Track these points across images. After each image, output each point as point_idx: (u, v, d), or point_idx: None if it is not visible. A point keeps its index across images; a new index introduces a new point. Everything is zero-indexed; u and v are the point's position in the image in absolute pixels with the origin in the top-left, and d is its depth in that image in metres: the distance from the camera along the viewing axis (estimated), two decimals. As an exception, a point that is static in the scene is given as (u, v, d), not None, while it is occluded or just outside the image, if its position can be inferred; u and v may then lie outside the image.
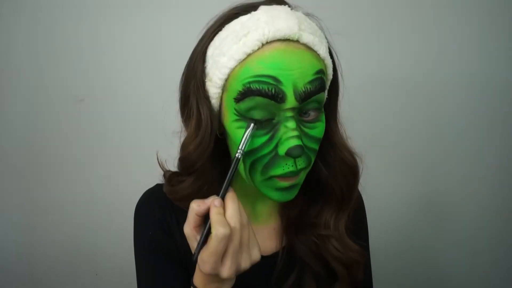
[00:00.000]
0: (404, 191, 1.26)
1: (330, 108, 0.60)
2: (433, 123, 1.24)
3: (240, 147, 0.50)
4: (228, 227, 0.46)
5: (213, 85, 0.54)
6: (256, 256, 0.50)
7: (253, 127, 0.50)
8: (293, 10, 0.54)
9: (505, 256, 1.28)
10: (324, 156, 0.61)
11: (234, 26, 0.53)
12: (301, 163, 0.52)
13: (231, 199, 0.49)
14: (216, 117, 0.56)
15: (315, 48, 0.52)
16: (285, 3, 0.55)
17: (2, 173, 1.25)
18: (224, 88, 0.53)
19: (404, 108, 1.23)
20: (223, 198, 0.50)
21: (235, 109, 0.52)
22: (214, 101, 0.55)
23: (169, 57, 1.20)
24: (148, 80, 1.22)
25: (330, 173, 0.61)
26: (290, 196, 0.55)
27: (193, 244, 0.50)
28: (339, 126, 0.62)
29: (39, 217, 1.27)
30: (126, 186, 1.24)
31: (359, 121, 1.12)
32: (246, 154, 0.52)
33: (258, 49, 0.50)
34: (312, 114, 0.53)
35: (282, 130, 0.51)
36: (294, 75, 0.49)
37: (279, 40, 0.50)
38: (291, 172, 0.52)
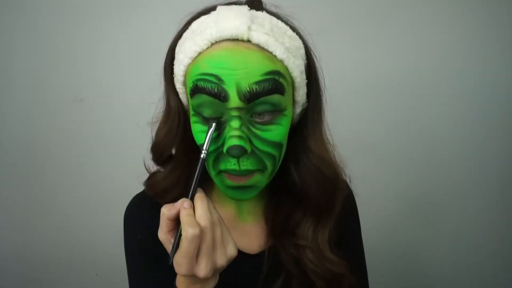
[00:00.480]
0: (393, 191, 1.25)
1: (310, 113, 0.59)
2: (423, 123, 1.23)
3: (204, 148, 0.51)
4: (198, 227, 0.46)
5: (177, 81, 0.57)
6: (231, 252, 0.50)
7: (215, 126, 0.52)
8: (250, 10, 0.53)
9: (494, 254, 1.27)
10: (298, 163, 0.60)
11: (194, 25, 0.55)
12: (246, 164, 0.52)
13: (199, 198, 0.49)
14: (187, 111, 0.59)
15: (270, 49, 0.51)
16: (247, 4, 0.55)
17: (2, 173, 1.26)
18: (184, 83, 0.56)
19: (393, 108, 1.22)
20: (192, 199, 0.50)
21: (191, 104, 0.54)
22: (182, 96, 0.58)
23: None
24: (148, 80, 1.21)
25: (303, 181, 0.60)
26: (244, 196, 0.56)
27: (168, 248, 0.50)
28: (322, 134, 0.61)
29: (39, 217, 1.27)
30: (126, 186, 1.23)
31: (347, 121, 1.11)
32: (200, 146, 0.54)
33: (207, 48, 0.52)
34: (267, 117, 0.52)
35: (227, 128, 0.52)
36: (238, 75, 0.50)
37: (228, 40, 0.51)
38: (234, 170, 0.52)
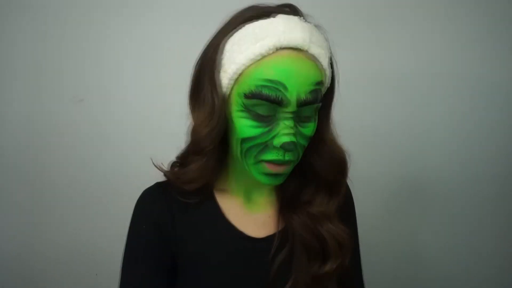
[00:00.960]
0: (388, 180, 1.26)
1: (324, 110, 0.65)
2: (424, 121, 1.24)
3: None
4: None
5: (227, 77, 0.59)
6: None
7: None
8: (306, 22, 0.59)
9: (491, 244, 1.28)
10: (318, 150, 0.66)
11: (254, 28, 0.58)
12: (289, 155, 0.59)
13: None
14: (225, 105, 0.61)
15: (320, 60, 0.58)
16: (298, 14, 0.60)
17: (2, 173, 1.25)
18: (236, 81, 0.59)
19: (392, 105, 1.23)
20: None
21: (243, 102, 0.58)
22: (225, 90, 0.60)
23: (169, 58, 1.21)
24: (148, 80, 1.22)
25: (322, 163, 0.67)
26: (275, 181, 0.62)
27: None
28: (331, 125, 0.68)
29: (39, 217, 1.27)
30: (126, 186, 1.23)
31: (346, 116, 1.12)
32: (246, 140, 0.59)
33: (272, 53, 0.56)
34: (307, 116, 0.60)
35: (281, 126, 0.58)
36: (299, 83, 0.56)
37: (291, 48, 0.56)
38: (278, 160, 0.59)
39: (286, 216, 0.69)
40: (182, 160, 0.66)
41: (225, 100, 0.61)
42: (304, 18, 0.60)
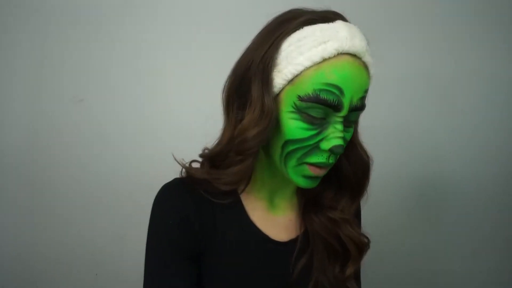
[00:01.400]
0: (399, 185, 1.27)
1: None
2: (429, 119, 1.25)
3: None
4: None
5: (281, 77, 0.59)
6: None
7: None
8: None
9: (501, 252, 1.29)
10: (348, 154, 0.68)
11: (315, 30, 0.58)
12: (333, 159, 0.60)
13: None
14: (280, 104, 0.61)
15: (369, 68, 0.60)
16: (341, 18, 0.61)
17: (2, 173, 1.25)
18: (290, 82, 0.59)
19: (400, 103, 1.24)
20: None
21: (295, 104, 0.58)
22: (275, 90, 0.60)
23: (169, 57, 1.21)
24: (148, 80, 1.22)
25: (350, 167, 0.68)
26: (313, 184, 0.63)
27: None
28: (358, 130, 0.69)
29: (38, 217, 1.27)
30: (126, 186, 1.24)
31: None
32: (294, 141, 0.59)
33: (334, 57, 0.57)
34: (352, 121, 0.61)
35: (330, 129, 0.58)
36: (354, 89, 0.57)
37: (349, 54, 0.57)
38: (323, 163, 0.60)
39: (307, 218, 0.70)
40: (218, 160, 0.64)
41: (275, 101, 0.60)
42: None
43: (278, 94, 0.60)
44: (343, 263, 0.69)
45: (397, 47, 1.21)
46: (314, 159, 0.60)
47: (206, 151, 0.67)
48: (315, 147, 0.59)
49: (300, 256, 0.68)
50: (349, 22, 0.61)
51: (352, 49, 0.57)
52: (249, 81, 0.60)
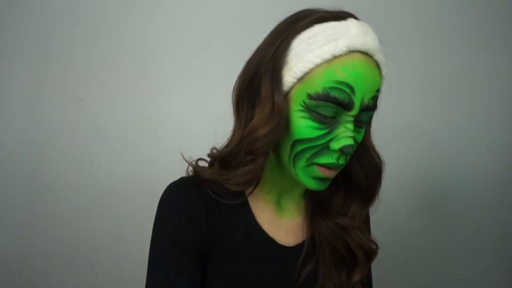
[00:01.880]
0: (405, 187, 1.26)
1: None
2: (434, 119, 1.24)
3: None
4: None
5: (291, 74, 0.58)
6: None
7: None
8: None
9: (508, 253, 1.28)
10: (359, 156, 0.66)
11: (326, 28, 0.57)
12: (343, 160, 0.59)
13: None
14: (290, 102, 0.60)
15: (381, 67, 0.59)
16: (353, 17, 0.60)
17: (2, 173, 1.25)
18: (301, 79, 0.58)
19: (406, 103, 1.23)
20: None
21: (304, 102, 0.57)
22: (285, 88, 0.59)
23: (169, 57, 1.21)
24: (147, 80, 1.22)
25: (360, 170, 0.67)
26: (323, 186, 0.61)
27: None
28: (371, 132, 0.68)
29: (38, 217, 1.26)
30: (126, 186, 1.24)
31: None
32: (304, 141, 0.58)
33: (345, 55, 0.56)
34: (363, 121, 0.60)
35: (340, 129, 0.57)
36: (366, 88, 0.56)
37: (361, 52, 0.56)
38: (332, 163, 0.58)
39: (314, 223, 0.69)
40: (228, 161, 0.64)
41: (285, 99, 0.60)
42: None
43: (288, 93, 0.59)
44: (350, 270, 0.68)
45: (401, 47, 1.20)
46: (324, 159, 0.58)
47: (215, 151, 0.66)
48: (325, 147, 0.58)
49: (307, 262, 0.67)
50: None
51: (364, 47, 0.56)
52: (259, 80, 0.59)
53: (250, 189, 0.66)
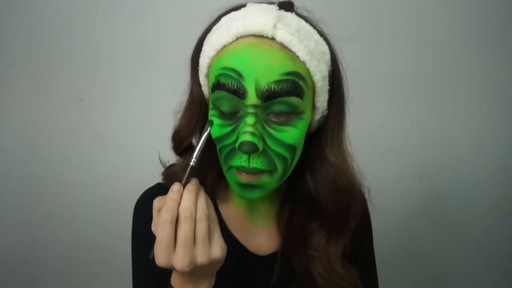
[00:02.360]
0: (407, 191, 1.26)
1: (329, 123, 0.59)
2: (437, 124, 1.24)
3: (194, 156, 0.50)
4: (171, 213, 0.45)
5: (201, 73, 0.57)
6: (216, 253, 0.47)
7: (209, 131, 0.51)
8: (279, 10, 0.53)
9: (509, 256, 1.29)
10: (314, 172, 0.59)
11: (223, 19, 0.55)
12: (256, 162, 0.52)
13: (188, 190, 0.48)
14: (207, 103, 0.59)
15: (293, 49, 0.51)
16: (287, 7, 0.55)
17: (2, 172, 1.25)
18: (207, 76, 0.56)
19: (407, 107, 1.23)
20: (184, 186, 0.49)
21: (211, 98, 0.54)
22: (204, 88, 0.58)
23: (168, 57, 1.20)
24: (147, 80, 1.22)
25: (317, 190, 0.59)
26: (251, 195, 0.55)
27: None
28: (342, 143, 0.59)
29: (38, 217, 1.27)
30: (125, 186, 1.23)
31: (360, 121, 1.13)
32: (215, 140, 0.54)
33: (233, 41, 0.52)
34: (283, 117, 0.52)
35: (241, 124, 0.51)
36: (258, 72, 0.49)
37: (253, 35, 0.51)
38: (242, 167, 0.52)
39: (285, 256, 0.63)
40: (170, 165, 0.64)
41: (204, 97, 0.59)
42: (285, 8, 0.54)
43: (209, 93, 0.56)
44: None
45: (399, 47, 1.21)
46: (234, 162, 0.53)
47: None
48: (234, 148, 0.52)
49: (281, 274, 0.62)
50: (293, 10, 0.55)
51: (250, 29, 0.51)
52: (190, 79, 0.60)
53: (219, 195, 0.63)
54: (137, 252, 0.64)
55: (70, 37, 1.20)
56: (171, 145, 0.63)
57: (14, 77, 1.22)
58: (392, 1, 1.19)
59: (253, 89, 0.49)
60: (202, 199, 0.48)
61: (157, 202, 0.49)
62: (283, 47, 0.51)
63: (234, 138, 0.52)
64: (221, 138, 0.53)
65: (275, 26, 0.51)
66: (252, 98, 0.50)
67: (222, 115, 0.52)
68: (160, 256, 0.45)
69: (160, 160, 0.65)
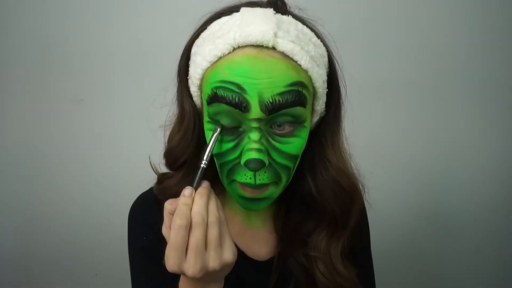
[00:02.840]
0: (408, 197, 1.26)
1: (328, 124, 0.58)
2: (436, 126, 1.24)
3: (205, 158, 0.49)
4: (185, 219, 0.45)
5: (192, 83, 0.54)
6: (227, 257, 0.47)
7: (219, 132, 0.50)
8: (276, 14, 0.50)
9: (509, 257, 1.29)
10: (315, 173, 0.58)
11: (214, 26, 0.51)
12: (263, 177, 0.50)
13: (199, 194, 0.47)
14: (200, 114, 0.56)
15: (295, 58, 0.49)
16: (271, 6, 0.52)
17: (2, 172, 1.25)
18: (200, 87, 0.53)
19: (408, 113, 1.23)
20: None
21: (208, 111, 0.51)
22: (196, 99, 0.55)
23: (168, 57, 1.20)
24: (147, 80, 1.22)
25: (320, 191, 0.58)
26: (256, 207, 0.54)
27: None
28: (340, 144, 0.59)
29: (39, 217, 1.27)
30: (125, 186, 1.23)
31: (361, 126, 1.11)
32: (216, 156, 0.52)
33: (229, 53, 0.49)
34: (287, 128, 0.50)
35: (245, 140, 0.49)
36: (261, 85, 0.47)
37: (252, 45, 0.48)
38: (249, 184, 0.50)
39: (283, 250, 0.62)
40: (164, 177, 0.61)
41: (198, 110, 0.56)
42: (281, 10, 0.52)
43: (202, 104, 0.54)
44: None
45: (402, 50, 1.20)
46: (239, 177, 0.50)
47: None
48: (238, 163, 0.50)
49: (279, 279, 0.62)
50: (284, 11, 0.52)
51: (249, 40, 0.47)
52: (178, 92, 0.58)
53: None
54: (138, 259, 0.63)
55: (70, 37, 1.20)
56: (164, 162, 0.60)
57: (14, 77, 1.22)
58: (392, 1, 1.18)
59: (257, 102, 0.47)
60: (213, 203, 0.48)
61: (168, 205, 0.48)
62: (285, 56, 0.49)
63: (237, 153, 0.50)
64: (223, 154, 0.51)
65: (275, 35, 0.48)
66: (255, 111, 0.47)
67: (222, 129, 0.50)
68: (172, 261, 0.45)
69: (151, 165, 0.64)
